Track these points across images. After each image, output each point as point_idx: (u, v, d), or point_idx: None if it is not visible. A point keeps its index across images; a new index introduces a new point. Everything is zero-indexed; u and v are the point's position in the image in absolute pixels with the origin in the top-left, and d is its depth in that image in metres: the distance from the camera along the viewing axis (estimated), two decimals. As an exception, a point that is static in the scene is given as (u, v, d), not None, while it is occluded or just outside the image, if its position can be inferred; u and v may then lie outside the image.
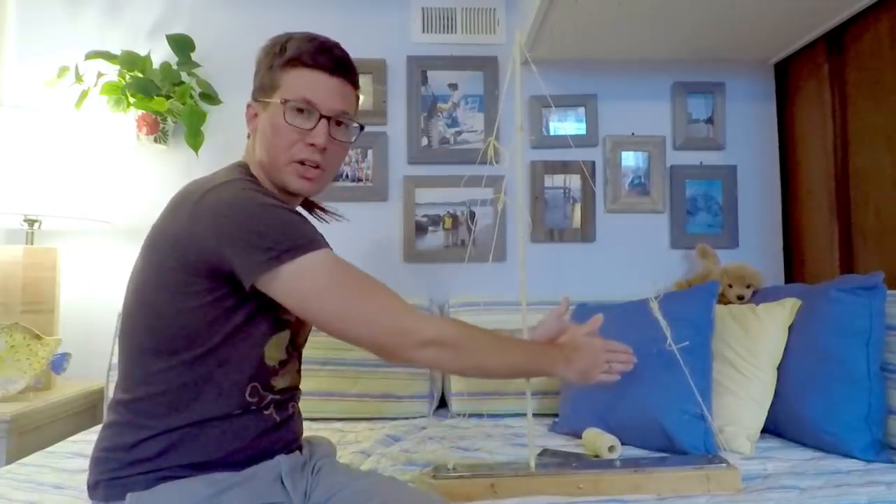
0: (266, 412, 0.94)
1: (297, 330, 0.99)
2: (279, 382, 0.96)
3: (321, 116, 0.94)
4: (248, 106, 1.00)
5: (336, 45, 0.98)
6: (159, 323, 0.88)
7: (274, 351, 0.94)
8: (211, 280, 0.85)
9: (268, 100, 0.96)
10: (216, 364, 0.88)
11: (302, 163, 0.95)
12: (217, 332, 0.87)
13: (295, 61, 0.94)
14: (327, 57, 0.95)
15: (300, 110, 0.94)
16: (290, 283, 0.84)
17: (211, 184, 0.89)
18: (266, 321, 0.91)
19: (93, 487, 0.89)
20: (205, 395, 0.88)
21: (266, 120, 0.96)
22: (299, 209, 1.06)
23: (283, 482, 0.90)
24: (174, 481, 0.85)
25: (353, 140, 1.02)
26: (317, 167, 0.96)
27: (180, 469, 0.86)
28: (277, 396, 0.96)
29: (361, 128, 1.03)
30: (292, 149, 0.94)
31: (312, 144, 0.94)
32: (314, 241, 0.86)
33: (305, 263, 0.84)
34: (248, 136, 1.02)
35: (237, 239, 0.83)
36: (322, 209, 1.20)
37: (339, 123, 0.98)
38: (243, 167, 0.98)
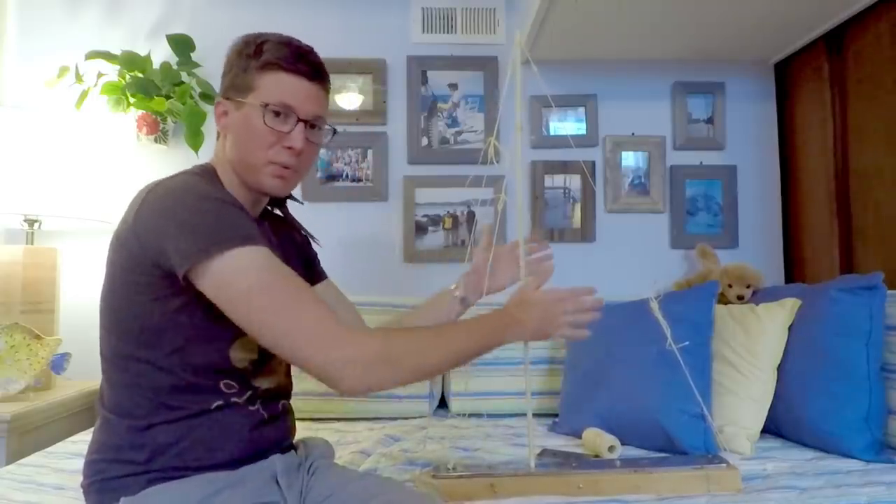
0: (252, 407, 0.93)
1: None
2: (262, 383, 0.95)
3: (299, 120, 0.94)
4: (218, 104, 0.98)
5: (311, 50, 0.98)
6: (121, 326, 0.88)
7: (240, 352, 0.91)
8: (158, 278, 0.84)
9: (242, 100, 0.94)
10: (182, 366, 0.87)
11: (278, 164, 0.96)
12: (176, 333, 0.86)
13: (273, 65, 0.93)
14: (305, 62, 0.95)
15: (277, 113, 0.93)
16: (217, 278, 0.82)
17: (160, 180, 0.90)
18: (226, 320, 0.86)
19: (86, 491, 0.89)
20: (180, 395, 0.87)
21: (240, 120, 0.95)
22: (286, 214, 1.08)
23: (277, 482, 0.90)
24: (167, 483, 0.85)
25: (326, 141, 1.03)
26: (291, 168, 0.97)
27: (173, 470, 0.85)
28: (263, 395, 0.95)
29: (334, 131, 1.04)
30: (269, 150, 0.94)
31: (290, 147, 0.94)
32: (249, 238, 0.84)
33: (235, 260, 0.82)
34: (218, 137, 1.01)
35: (171, 229, 0.83)
36: (287, 219, 1.15)
37: (312, 126, 0.98)
38: (205, 168, 0.98)
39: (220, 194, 0.89)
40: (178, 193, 0.86)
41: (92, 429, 1.64)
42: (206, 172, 0.96)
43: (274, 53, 0.93)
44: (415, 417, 1.76)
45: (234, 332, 0.88)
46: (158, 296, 0.85)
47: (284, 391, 1.02)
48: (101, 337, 0.91)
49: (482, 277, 1.21)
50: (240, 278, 0.82)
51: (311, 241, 1.20)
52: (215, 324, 0.86)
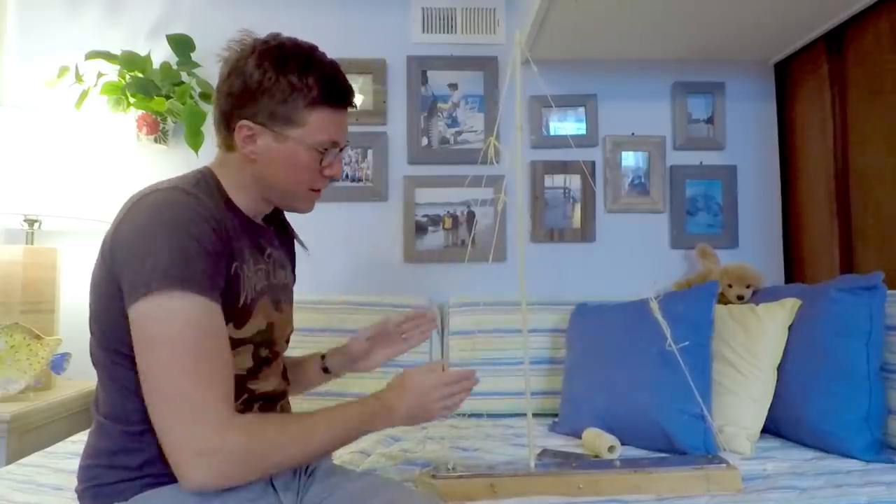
0: (248, 412, 0.92)
1: (265, 340, 0.96)
2: (259, 386, 0.95)
3: (340, 149, 0.98)
4: (243, 127, 0.91)
5: (345, 77, 0.96)
6: (107, 336, 0.86)
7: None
8: (118, 285, 0.82)
9: (284, 132, 0.91)
10: None
11: (318, 190, 0.99)
12: None
13: (324, 105, 0.92)
14: (347, 94, 0.96)
15: (325, 149, 0.95)
16: (142, 316, 0.78)
17: (152, 188, 0.87)
18: None
19: (81, 496, 0.88)
20: None
21: (282, 153, 0.92)
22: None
23: (273, 485, 0.89)
24: (161, 488, 0.84)
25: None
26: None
27: (167, 476, 0.83)
28: (260, 399, 0.94)
29: (346, 143, 1.04)
30: (312, 181, 0.97)
31: (331, 176, 0.98)
32: (194, 283, 0.79)
33: (168, 302, 0.78)
34: (230, 151, 0.95)
35: (133, 256, 0.80)
36: (284, 223, 1.14)
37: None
38: (206, 174, 0.94)
39: (194, 226, 0.82)
40: (154, 216, 0.82)
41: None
42: (203, 182, 0.92)
43: (322, 90, 0.91)
44: (415, 417, 1.76)
45: None
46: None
47: (281, 393, 1.02)
48: (91, 344, 0.90)
49: (354, 361, 1.20)
50: (157, 323, 0.78)
51: (303, 250, 1.17)
52: None
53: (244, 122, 0.91)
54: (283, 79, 0.90)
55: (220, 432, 0.78)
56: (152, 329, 0.78)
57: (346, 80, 0.96)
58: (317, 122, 0.92)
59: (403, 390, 0.97)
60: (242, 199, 0.96)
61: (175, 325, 0.78)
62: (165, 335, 0.78)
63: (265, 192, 0.97)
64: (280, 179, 0.95)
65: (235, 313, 0.88)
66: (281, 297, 1.02)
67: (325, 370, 1.21)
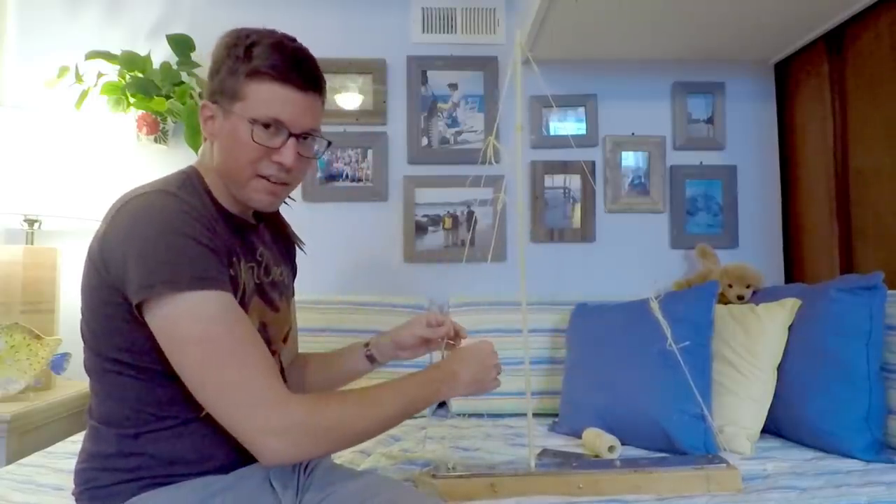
0: None
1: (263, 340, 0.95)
2: None
3: (290, 135, 0.89)
4: (204, 106, 0.91)
5: (307, 56, 0.91)
6: (98, 342, 0.86)
7: None
8: (124, 300, 0.81)
9: (229, 108, 0.88)
10: (162, 381, 0.84)
11: (267, 178, 0.91)
12: (152, 351, 0.82)
13: (264, 74, 0.86)
14: (299, 72, 0.88)
15: (267, 126, 0.87)
16: (160, 320, 0.79)
17: (136, 192, 0.85)
18: None
19: (78, 498, 0.88)
20: (166, 406, 0.85)
21: (227, 129, 0.89)
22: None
23: (272, 484, 0.89)
24: (157, 489, 0.84)
25: (320, 154, 0.98)
26: (282, 183, 0.92)
27: (164, 477, 0.84)
28: None
29: (329, 143, 0.98)
30: (257, 164, 0.89)
31: (279, 163, 0.89)
32: (205, 280, 0.80)
33: (184, 303, 0.78)
34: (205, 140, 0.95)
35: (130, 258, 0.79)
36: (278, 220, 1.12)
37: (305, 137, 0.92)
38: (191, 174, 0.93)
39: (187, 226, 0.81)
40: (143, 219, 0.81)
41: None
42: (189, 182, 0.91)
43: (264, 60, 0.86)
44: (415, 417, 1.75)
45: None
46: (128, 317, 0.82)
47: None
48: (83, 349, 0.89)
49: (398, 351, 1.17)
50: (181, 325, 0.78)
51: (298, 248, 1.16)
52: None
53: (204, 101, 0.92)
54: (234, 51, 0.88)
55: (281, 408, 0.80)
56: (179, 330, 0.79)
57: (304, 59, 0.90)
58: (256, 95, 0.87)
59: (464, 358, 1.00)
60: (223, 195, 0.93)
61: (200, 322, 0.79)
62: (195, 335, 0.79)
63: (224, 180, 0.92)
64: (227, 161, 0.90)
65: None
66: (276, 295, 1.00)
67: (370, 358, 1.18)
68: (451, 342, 1.16)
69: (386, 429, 0.92)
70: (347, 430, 0.85)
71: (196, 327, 0.79)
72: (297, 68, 0.88)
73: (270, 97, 0.87)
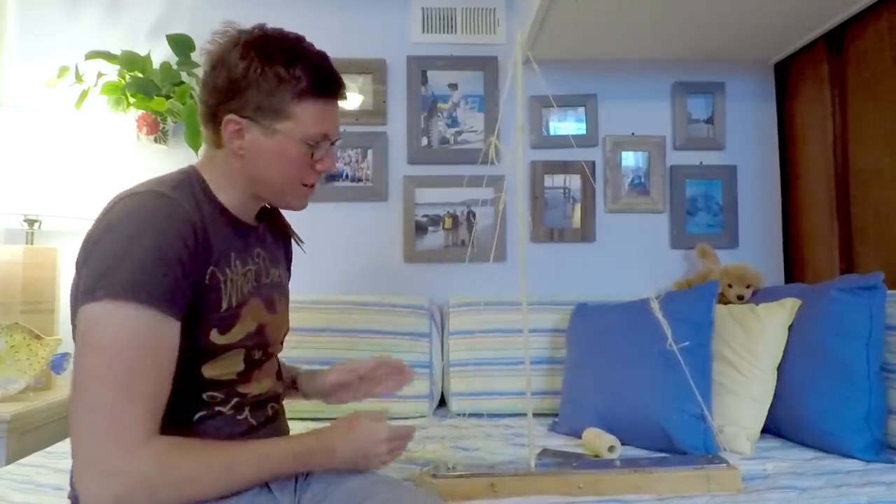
0: (240, 416, 0.91)
1: (258, 343, 0.94)
2: (251, 389, 0.93)
3: (332, 143, 0.95)
4: (230, 121, 0.89)
5: (331, 65, 0.95)
6: None
7: (217, 370, 0.88)
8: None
9: (271, 125, 0.89)
10: None
11: (310, 185, 0.97)
12: None
13: (310, 95, 0.90)
14: (336, 84, 0.94)
15: (317, 142, 0.93)
16: (85, 322, 0.76)
17: (129, 192, 0.85)
18: (192, 342, 0.82)
19: (74, 501, 0.87)
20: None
21: (271, 147, 0.90)
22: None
23: (269, 486, 0.88)
24: None
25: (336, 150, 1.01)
26: (314, 184, 0.98)
27: None
28: (251, 402, 0.93)
29: (338, 139, 1.01)
30: (304, 175, 0.94)
31: (321, 170, 0.95)
32: (145, 295, 0.76)
33: (115, 311, 0.75)
34: (218, 147, 0.93)
35: (89, 257, 0.79)
36: (281, 220, 1.13)
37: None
38: (191, 174, 0.92)
39: (165, 234, 0.79)
40: (123, 222, 0.80)
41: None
42: (186, 182, 0.90)
43: (311, 81, 0.89)
44: (415, 417, 1.76)
45: (203, 355, 0.85)
46: None
47: (274, 395, 1.01)
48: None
49: (324, 395, 1.18)
50: (100, 329, 0.76)
51: (299, 247, 1.16)
52: (180, 349, 0.81)
53: (231, 116, 0.89)
54: (270, 70, 0.88)
55: (130, 454, 0.74)
56: (93, 335, 0.76)
57: (334, 71, 0.94)
58: (306, 115, 0.90)
59: (351, 435, 0.92)
60: (229, 198, 0.93)
61: (117, 334, 0.75)
62: (104, 344, 0.75)
63: (255, 189, 0.95)
64: (270, 175, 0.92)
65: (217, 319, 0.87)
66: (274, 296, 1.00)
67: (294, 385, 1.19)
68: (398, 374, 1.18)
69: (239, 492, 0.83)
70: (192, 489, 0.78)
71: (111, 336, 0.75)
72: (335, 82, 0.94)
73: (319, 116, 0.92)
